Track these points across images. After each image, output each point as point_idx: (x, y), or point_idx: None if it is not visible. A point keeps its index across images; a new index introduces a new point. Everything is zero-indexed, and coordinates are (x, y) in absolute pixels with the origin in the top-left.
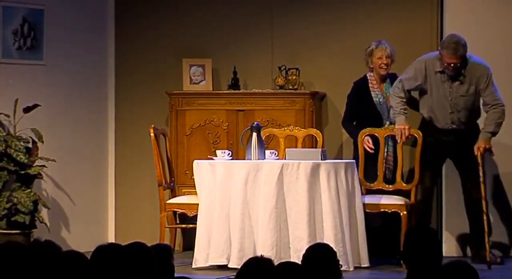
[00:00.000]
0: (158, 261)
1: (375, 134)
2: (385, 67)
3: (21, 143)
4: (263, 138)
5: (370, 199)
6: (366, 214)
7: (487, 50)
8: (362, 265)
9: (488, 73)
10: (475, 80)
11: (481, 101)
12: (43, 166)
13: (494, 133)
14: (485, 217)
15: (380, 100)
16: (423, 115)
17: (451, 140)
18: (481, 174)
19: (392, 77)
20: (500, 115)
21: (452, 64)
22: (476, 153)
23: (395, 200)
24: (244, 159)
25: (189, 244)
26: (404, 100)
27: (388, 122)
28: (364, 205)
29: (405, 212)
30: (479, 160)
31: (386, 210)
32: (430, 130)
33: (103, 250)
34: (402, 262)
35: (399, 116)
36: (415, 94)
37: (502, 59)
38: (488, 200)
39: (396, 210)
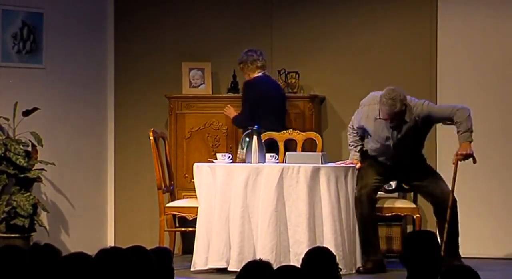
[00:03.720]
0: (157, 264)
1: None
2: None
3: (21, 146)
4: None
5: (382, 203)
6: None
7: (479, 56)
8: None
9: (423, 105)
10: (416, 119)
11: (440, 123)
12: (43, 169)
13: (470, 131)
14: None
15: None
16: (367, 150)
17: (394, 167)
18: (452, 183)
19: None
20: (464, 112)
21: (389, 119)
22: (453, 161)
23: (408, 204)
24: (244, 162)
25: (188, 247)
26: (355, 132)
27: None
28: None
29: (418, 215)
30: (455, 168)
31: (399, 213)
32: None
33: (106, 253)
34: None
35: (352, 151)
36: None
37: (493, 65)
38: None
39: (409, 213)
